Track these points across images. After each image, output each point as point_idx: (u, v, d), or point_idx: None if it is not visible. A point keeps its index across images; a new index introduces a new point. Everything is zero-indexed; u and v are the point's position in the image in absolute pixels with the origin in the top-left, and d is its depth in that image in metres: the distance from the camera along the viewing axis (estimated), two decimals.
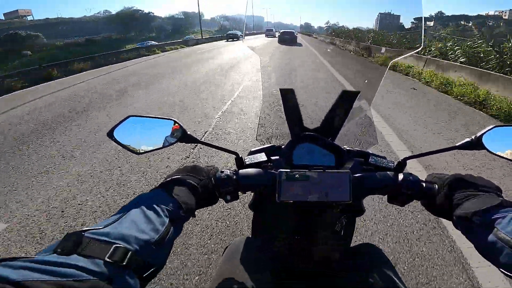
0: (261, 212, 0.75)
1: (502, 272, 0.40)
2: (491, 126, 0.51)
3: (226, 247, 0.75)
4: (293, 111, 0.72)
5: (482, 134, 0.51)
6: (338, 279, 0.67)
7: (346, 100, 0.68)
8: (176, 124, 0.59)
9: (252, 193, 0.72)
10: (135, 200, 0.45)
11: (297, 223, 0.68)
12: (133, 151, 0.58)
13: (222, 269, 0.67)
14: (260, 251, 0.71)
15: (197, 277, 1.55)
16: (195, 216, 0.53)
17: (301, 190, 0.57)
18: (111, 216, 0.41)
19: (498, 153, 0.52)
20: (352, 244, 0.76)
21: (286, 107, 0.71)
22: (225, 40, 27.63)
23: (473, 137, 0.52)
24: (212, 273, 1.52)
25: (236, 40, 25.29)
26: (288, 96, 0.70)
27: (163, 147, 0.59)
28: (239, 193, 0.62)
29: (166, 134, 0.59)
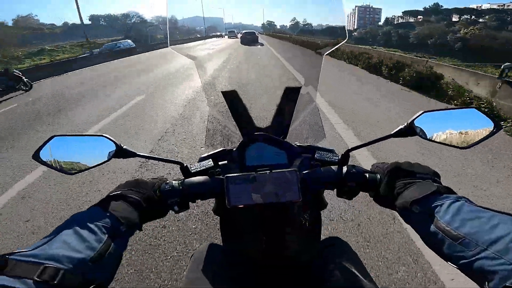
0: (225, 216, 0.74)
1: (449, 264, 0.40)
2: (420, 112, 0.52)
3: (192, 255, 0.73)
4: (240, 112, 0.70)
5: (413, 120, 0.52)
6: (307, 273, 0.67)
7: (290, 96, 0.68)
8: (110, 140, 0.55)
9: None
10: (67, 221, 0.44)
11: (262, 223, 0.67)
12: (65, 172, 0.55)
13: (188, 279, 0.66)
14: (226, 257, 0.70)
15: None
16: (141, 230, 0.52)
17: (250, 193, 0.56)
18: (41, 239, 0.39)
19: (429, 137, 0.53)
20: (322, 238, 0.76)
21: (232, 109, 0.70)
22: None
23: (405, 123, 0.53)
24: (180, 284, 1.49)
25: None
26: (232, 98, 0.69)
27: (98, 165, 0.56)
28: (190, 202, 0.60)
29: (99, 151, 0.56)
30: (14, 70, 8.76)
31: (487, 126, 0.52)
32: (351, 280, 0.61)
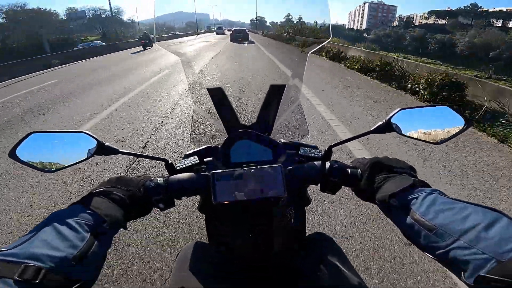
0: (211, 213, 0.74)
1: (426, 254, 0.41)
2: (397, 109, 0.55)
3: (178, 254, 0.73)
4: (225, 110, 0.70)
5: (390, 117, 0.55)
6: (293, 268, 0.68)
7: (275, 94, 0.69)
8: (90, 137, 0.54)
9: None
10: (47, 219, 0.42)
11: (248, 220, 0.68)
12: (43, 170, 0.53)
13: (174, 278, 0.65)
14: (212, 255, 0.70)
15: None
16: (125, 228, 0.51)
17: (236, 189, 0.56)
18: (20, 237, 0.38)
19: (406, 134, 0.56)
20: (307, 233, 0.78)
21: (218, 106, 0.70)
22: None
23: (383, 120, 0.56)
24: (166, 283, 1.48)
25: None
26: (217, 95, 0.69)
27: (77, 162, 0.55)
28: (175, 199, 0.60)
29: (79, 148, 0.54)
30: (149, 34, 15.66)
31: (459, 123, 0.55)
32: (336, 274, 0.62)
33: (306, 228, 0.77)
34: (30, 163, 0.52)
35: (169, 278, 1.52)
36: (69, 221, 0.41)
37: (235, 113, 0.71)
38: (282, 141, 0.70)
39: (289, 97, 0.75)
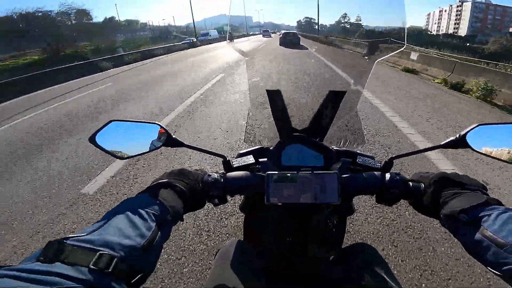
0: (252, 214, 0.75)
1: (490, 270, 0.40)
2: (475, 125, 0.51)
3: (218, 250, 0.75)
4: (280, 112, 0.71)
5: (467, 132, 0.51)
6: (330, 281, 0.67)
7: (333, 100, 0.68)
8: (161, 128, 0.58)
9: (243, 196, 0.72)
10: (119, 206, 0.45)
11: (288, 224, 0.68)
12: (117, 156, 0.57)
13: (214, 273, 0.66)
14: (252, 255, 0.71)
15: None
16: (183, 220, 0.52)
17: (289, 191, 0.57)
18: (95, 223, 0.40)
19: (482, 151, 0.52)
20: (345, 244, 0.76)
21: (274, 108, 0.71)
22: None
23: (457, 135, 0.52)
24: (205, 277, 1.52)
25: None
26: (275, 98, 0.70)
27: (149, 151, 0.59)
28: (228, 196, 0.62)
29: (151, 138, 0.58)
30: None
31: None
32: (381, 284, 0.60)
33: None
34: (106, 149, 0.56)
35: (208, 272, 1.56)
36: (140, 210, 0.43)
37: (289, 116, 0.72)
38: (335, 148, 0.69)
39: (347, 105, 0.73)
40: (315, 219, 0.67)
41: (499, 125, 0.52)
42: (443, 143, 0.54)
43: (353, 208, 0.73)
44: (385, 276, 0.62)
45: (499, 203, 0.46)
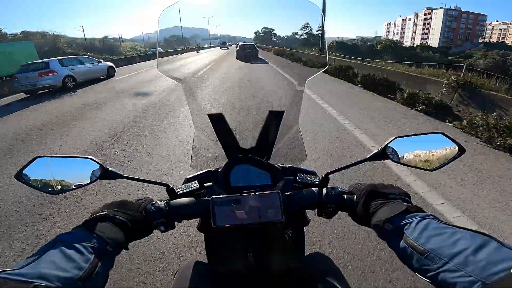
0: (210, 233, 0.74)
1: (419, 276, 0.42)
2: (392, 138, 0.56)
3: (176, 272, 0.72)
4: (226, 135, 0.73)
5: (386, 145, 0.56)
6: None
7: (274, 119, 0.71)
8: (95, 162, 0.56)
9: None
10: (52, 241, 0.43)
11: (247, 240, 0.68)
12: (46, 192, 0.55)
13: None
14: (212, 275, 0.69)
15: None
16: (128, 249, 0.52)
17: (235, 213, 0.58)
18: (26, 258, 0.39)
19: (400, 161, 0.57)
20: (307, 252, 0.77)
21: (218, 131, 0.72)
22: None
23: (379, 148, 0.57)
24: None
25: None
26: (218, 121, 0.71)
27: (82, 186, 0.56)
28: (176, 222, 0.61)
29: (84, 173, 0.56)
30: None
31: (453, 149, 0.56)
32: None
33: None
34: (34, 185, 0.53)
35: None
36: (75, 244, 0.43)
37: (235, 138, 0.73)
38: (281, 165, 0.72)
39: (288, 123, 0.77)
40: (271, 234, 0.68)
41: (414, 136, 0.57)
42: (368, 156, 0.58)
43: (307, 219, 0.75)
44: (337, 285, 0.64)
45: (418, 209, 0.50)
